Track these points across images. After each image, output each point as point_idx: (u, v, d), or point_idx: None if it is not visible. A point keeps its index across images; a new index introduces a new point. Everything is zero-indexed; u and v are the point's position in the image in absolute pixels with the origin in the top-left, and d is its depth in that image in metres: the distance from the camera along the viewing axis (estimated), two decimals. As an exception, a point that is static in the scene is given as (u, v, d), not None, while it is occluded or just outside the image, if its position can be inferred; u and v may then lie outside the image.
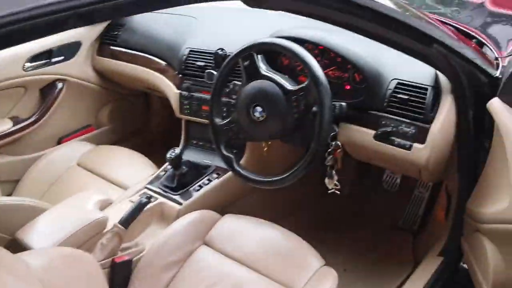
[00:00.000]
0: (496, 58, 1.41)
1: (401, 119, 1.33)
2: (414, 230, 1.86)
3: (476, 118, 1.30)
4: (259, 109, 1.33)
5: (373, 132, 1.37)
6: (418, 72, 1.35)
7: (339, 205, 1.96)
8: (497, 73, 1.31)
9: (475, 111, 1.30)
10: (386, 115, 1.36)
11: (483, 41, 1.50)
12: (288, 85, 1.32)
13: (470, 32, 1.56)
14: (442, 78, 1.31)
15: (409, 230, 1.87)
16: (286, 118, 1.31)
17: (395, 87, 1.35)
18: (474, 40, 1.52)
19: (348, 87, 1.47)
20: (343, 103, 1.34)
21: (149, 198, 1.56)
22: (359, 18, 1.01)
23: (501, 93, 1.12)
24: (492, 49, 1.46)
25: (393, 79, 1.36)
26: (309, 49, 1.49)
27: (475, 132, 1.32)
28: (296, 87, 1.30)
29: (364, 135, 1.39)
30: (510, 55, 1.44)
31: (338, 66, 1.48)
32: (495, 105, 1.12)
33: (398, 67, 1.38)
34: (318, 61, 1.44)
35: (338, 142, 1.39)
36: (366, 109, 1.39)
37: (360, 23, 1.03)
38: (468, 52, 1.23)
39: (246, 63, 1.38)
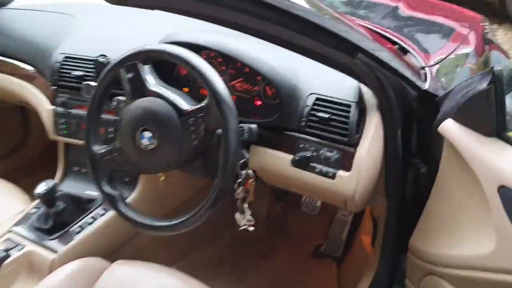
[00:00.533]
0: (423, 68, 1.25)
1: (323, 141, 1.11)
2: (338, 257, 1.67)
3: (405, 137, 1.13)
4: (147, 134, 1.03)
5: (290, 157, 1.14)
6: (339, 85, 1.14)
7: (253, 232, 1.72)
8: (426, 86, 1.14)
9: (403, 128, 1.12)
10: (304, 136, 1.13)
11: (407, 47, 1.34)
12: (184, 104, 1.04)
13: (392, 38, 1.39)
14: (367, 92, 1.11)
15: (332, 256, 1.68)
16: (183, 145, 1.03)
17: (314, 104, 1.13)
18: (396, 46, 1.36)
19: (258, 102, 1.22)
20: (253, 125, 1.09)
21: (11, 248, 1.21)
22: (261, 20, 0.77)
23: (457, 114, 0.94)
24: (417, 57, 1.30)
25: (311, 93, 1.14)
26: (211, 57, 1.22)
27: (405, 153, 1.14)
28: (193, 107, 1.02)
29: (279, 160, 1.15)
30: (437, 64, 1.29)
31: (246, 78, 1.23)
32: (452, 128, 0.94)
33: (317, 79, 1.16)
34: (221, 72, 1.18)
35: (250, 171, 1.13)
36: (281, 130, 1.16)
37: (264, 26, 0.79)
38: (396, 63, 1.05)
39: (129, 75, 1.07)
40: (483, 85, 0.85)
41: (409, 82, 1.09)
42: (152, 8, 0.98)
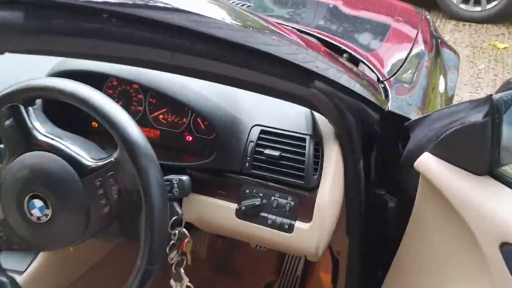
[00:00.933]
0: (380, 81, 1.06)
1: (274, 185, 0.89)
2: (293, 296, 1.47)
3: (366, 165, 0.94)
4: (38, 203, 0.75)
5: (234, 206, 0.91)
6: (288, 114, 0.92)
7: (193, 273, 1.47)
8: (389, 106, 0.95)
9: (364, 157, 0.93)
10: (251, 180, 0.90)
11: (358, 57, 1.14)
12: (87, 159, 0.76)
13: (339, 45, 1.19)
14: (321, 120, 0.91)
15: (286, 295, 1.48)
16: (89, 215, 0.76)
17: (259, 138, 0.90)
18: (344, 56, 1.16)
19: (189, 138, 0.98)
20: (184, 177, 0.84)
21: None
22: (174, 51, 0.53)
23: (437, 147, 0.75)
24: (372, 68, 1.11)
25: (255, 125, 0.91)
26: (122, 83, 0.96)
27: (366, 184, 0.95)
28: (99, 163, 0.76)
29: (222, 211, 0.92)
30: (394, 74, 1.11)
31: (171, 108, 0.97)
32: (431, 164, 0.75)
33: (260, 107, 0.93)
34: (138, 101, 0.92)
35: (184, 230, 0.89)
36: (221, 172, 0.92)
37: (180, 60, 0.56)
38: (358, 86, 0.84)
39: (8, 122, 0.78)
40: (477, 116, 0.67)
41: (371, 104, 0.90)
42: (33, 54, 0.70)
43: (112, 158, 0.74)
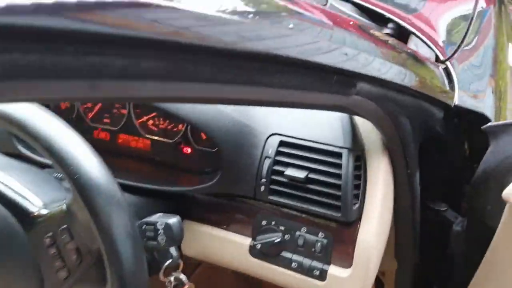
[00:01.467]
0: (441, 61, 0.79)
1: (300, 215, 0.66)
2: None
3: (423, 177, 0.71)
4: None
5: (248, 241, 0.69)
6: (317, 118, 0.67)
7: None
8: (456, 100, 0.69)
9: (421, 167, 0.69)
10: (268, 206, 0.68)
11: (409, 28, 0.87)
12: (37, 204, 0.55)
13: (381, 12, 0.91)
14: (363, 126, 0.66)
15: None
16: (42, 280, 0.55)
17: (278, 153, 0.66)
18: (390, 26, 0.89)
19: (188, 150, 0.75)
20: (172, 220, 0.61)
21: None
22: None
23: None
24: (429, 42, 0.83)
25: (272, 134, 0.67)
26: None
27: (422, 198, 0.72)
28: (48, 211, 0.54)
29: (231, 247, 0.70)
30: (457, 50, 0.83)
31: (163, 111, 0.74)
32: None
33: (278, 110, 0.69)
34: (121, 104, 0.71)
35: (182, 277, 0.67)
36: (229, 196, 0.70)
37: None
38: (411, 75, 0.59)
39: None
40: None
41: (432, 100, 0.65)
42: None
43: (64, 205, 0.52)
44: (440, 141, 0.74)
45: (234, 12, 0.29)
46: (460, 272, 0.76)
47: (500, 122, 0.61)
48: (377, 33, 0.64)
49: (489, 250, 0.66)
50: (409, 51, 0.67)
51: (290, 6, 0.38)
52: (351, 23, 0.49)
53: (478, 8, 1.02)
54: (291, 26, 0.35)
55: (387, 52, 0.51)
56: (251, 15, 0.30)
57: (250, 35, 0.31)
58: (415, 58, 0.62)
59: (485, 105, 0.74)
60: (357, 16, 0.92)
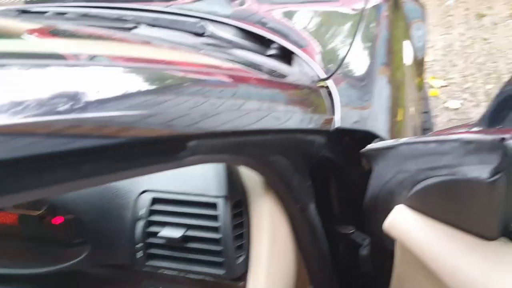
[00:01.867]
0: (321, 80, 0.75)
1: (185, 278, 0.60)
2: None
3: (324, 202, 0.67)
4: None
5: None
6: (190, 169, 0.61)
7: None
8: (337, 122, 0.66)
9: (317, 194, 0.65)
10: (151, 272, 0.61)
11: (291, 48, 0.82)
12: None
13: (263, 34, 0.87)
14: (245, 170, 0.61)
15: None
16: None
17: (152, 212, 0.59)
18: (273, 47, 0.84)
19: (57, 221, 0.66)
20: None
21: None
22: None
23: (413, 198, 0.46)
24: (310, 61, 0.79)
25: (144, 191, 0.60)
26: None
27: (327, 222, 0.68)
28: None
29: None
30: (340, 66, 0.80)
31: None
32: (409, 225, 0.47)
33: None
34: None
35: None
36: (107, 266, 0.63)
37: None
38: (287, 113, 0.54)
39: None
40: (478, 169, 0.37)
41: (309, 132, 0.60)
42: None
43: None
44: (333, 164, 0.70)
45: None
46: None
47: (376, 146, 0.57)
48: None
49: (394, 276, 0.62)
50: (283, 81, 0.63)
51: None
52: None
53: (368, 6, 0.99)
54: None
55: (225, 102, 0.45)
56: None
57: None
58: (279, 93, 0.57)
59: (371, 116, 0.70)
60: (240, 40, 0.87)
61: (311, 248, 0.67)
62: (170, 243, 0.58)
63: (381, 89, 0.80)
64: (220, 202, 0.57)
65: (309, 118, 0.60)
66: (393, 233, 0.50)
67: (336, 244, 0.73)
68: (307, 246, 0.67)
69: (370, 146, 0.58)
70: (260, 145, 0.51)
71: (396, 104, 0.81)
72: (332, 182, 0.72)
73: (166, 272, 0.60)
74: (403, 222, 0.49)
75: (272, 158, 0.54)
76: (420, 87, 1.38)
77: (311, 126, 0.59)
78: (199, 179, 0.60)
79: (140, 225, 0.59)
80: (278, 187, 0.59)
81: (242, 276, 0.57)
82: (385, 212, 0.53)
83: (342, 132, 0.66)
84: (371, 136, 0.65)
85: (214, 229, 0.56)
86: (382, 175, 0.55)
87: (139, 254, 0.59)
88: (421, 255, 0.48)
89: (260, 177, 0.59)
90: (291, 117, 0.54)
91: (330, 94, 0.71)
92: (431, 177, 0.44)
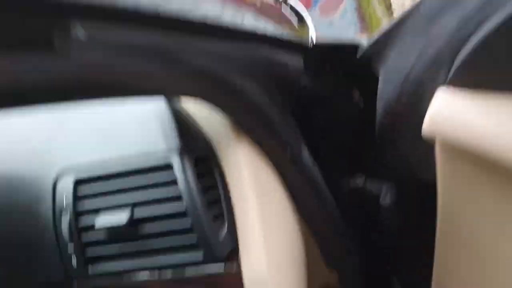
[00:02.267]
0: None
1: (146, 275, 0.41)
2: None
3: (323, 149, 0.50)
4: None
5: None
6: (118, 128, 0.43)
7: None
8: (312, 36, 0.49)
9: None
10: (99, 280, 0.42)
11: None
12: None
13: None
14: (203, 118, 0.43)
15: None
16: None
17: (77, 198, 0.40)
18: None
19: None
20: None
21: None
22: None
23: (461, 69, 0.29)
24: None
25: (60, 175, 0.41)
26: None
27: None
28: None
29: None
30: None
31: None
32: (463, 108, 0.30)
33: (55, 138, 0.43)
34: None
35: None
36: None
37: None
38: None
39: None
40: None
41: (281, 47, 0.43)
42: None
43: None
44: (320, 97, 0.52)
45: None
46: (413, 251, 0.56)
47: (380, 34, 0.40)
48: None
49: (439, 215, 0.45)
50: None
51: None
52: None
53: None
54: None
55: None
56: None
57: None
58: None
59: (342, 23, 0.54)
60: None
61: (314, 212, 0.50)
62: (115, 235, 0.39)
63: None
64: (175, 159, 0.39)
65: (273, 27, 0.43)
66: (441, 132, 0.33)
67: (350, 206, 0.56)
68: (309, 210, 0.50)
69: (370, 41, 0.41)
70: (214, 54, 0.33)
71: None
72: (322, 121, 0.55)
73: (120, 276, 0.41)
74: (455, 111, 0.32)
75: (237, 80, 0.37)
76: None
77: (279, 36, 0.42)
78: (137, 137, 0.41)
79: (65, 220, 0.40)
80: (253, 129, 0.41)
81: (230, 256, 0.40)
82: (417, 119, 0.36)
83: (321, 51, 0.48)
84: (354, 49, 0.49)
85: (174, 199, 0.38)
86: (398, 69, 0.38)
87: (74, 260, 0.40)
88: (491, 153, 0.31)
89: (226, 119, 0.41)
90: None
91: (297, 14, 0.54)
92: (474, 34, 0.27)
